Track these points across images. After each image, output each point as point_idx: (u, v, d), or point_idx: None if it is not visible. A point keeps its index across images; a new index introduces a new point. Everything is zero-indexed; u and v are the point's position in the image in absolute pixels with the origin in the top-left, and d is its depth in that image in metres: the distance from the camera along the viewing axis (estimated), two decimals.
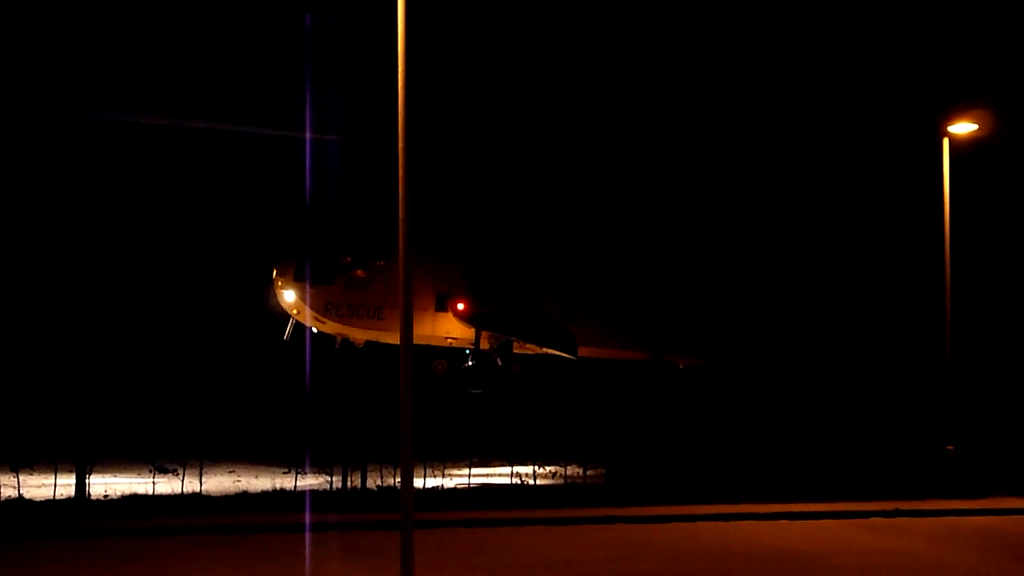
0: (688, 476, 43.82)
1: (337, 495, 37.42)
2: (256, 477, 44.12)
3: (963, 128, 42.18)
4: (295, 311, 42.42)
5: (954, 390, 42.09)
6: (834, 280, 49.45)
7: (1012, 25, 55.40)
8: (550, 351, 44.44)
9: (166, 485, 38.24)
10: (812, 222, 50.57)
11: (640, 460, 45.49)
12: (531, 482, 42.01)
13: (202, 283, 61.29)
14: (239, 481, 42.78)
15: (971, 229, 47.77)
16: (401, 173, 22.22)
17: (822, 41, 55.95)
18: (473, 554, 27.25)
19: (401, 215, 22.24)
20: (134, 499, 35.36)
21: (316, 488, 38.60)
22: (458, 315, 42.74)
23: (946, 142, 42.67)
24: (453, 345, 44.38)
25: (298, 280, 42.12)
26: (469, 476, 43.14)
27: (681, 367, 46.69)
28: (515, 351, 44.81)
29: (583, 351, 44.61)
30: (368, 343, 43.64)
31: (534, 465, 44.67)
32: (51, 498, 34.96)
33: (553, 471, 46.17)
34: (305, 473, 41.10)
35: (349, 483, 38.72)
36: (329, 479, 39.01)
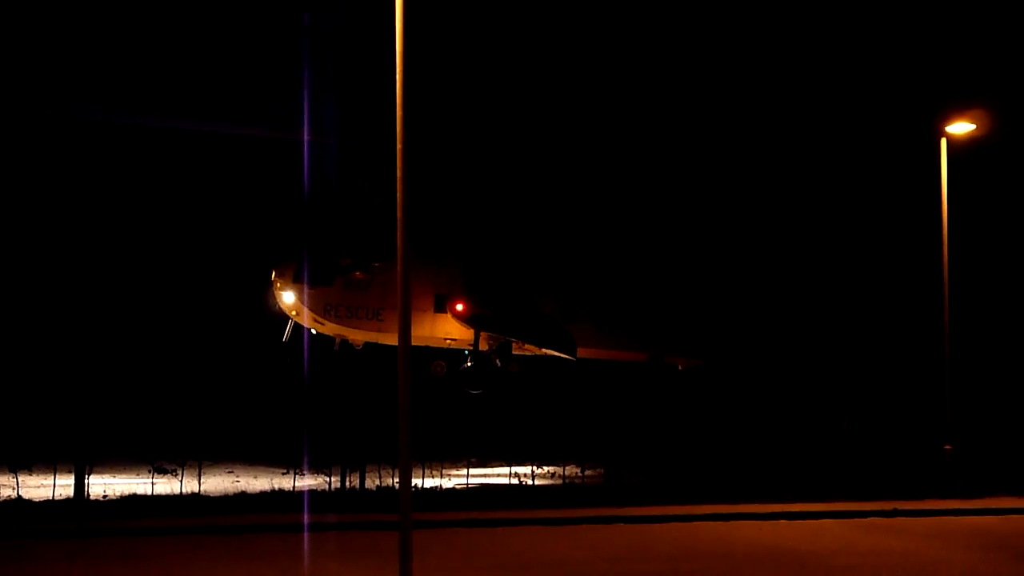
0: (687, 476, 43.81)
1: (336, 495, 37.41)
2: (255, 478, 44.12)
3: (961, 128, 42.19)
4: (294, 312, 42.44)
5: (952, 390, 42.11)
6: (832, 280, 49.49)
7: (1010, 25, 55.46)
8: (549, 352, 44.46)
9: (165, 485, 38.24)
10: (810, 222, 50.60)
11: (639, 460, 45.49)
12: (530, 482, 42.01)
13: (201, 284, 61.34)
14: (238, 481, 42.76)
15: (969, 229, 47.77)
16: (400, 174, 22.24)
17: (820, 41, 55.99)
18: (471, 554, 27.28)
19: (399, 216, 22.25)
20: (133, 499, 35.34)
21: (315, 488, 38.59)
22: (457, 316, 42.75)
23: (944, 142, 42.68)
24: (452, 346, 44.40)
25: (297, 281, 42.15)
26: (467, 476, 43.14)
27: (680, 368, 46.73)
28: (514, 352, 44.85)
29: (582, 352, 44.62)
30: (367, 344, 43.67)
31: (533, 465, 44.67)
32: (50, 498, 34.91)
33: (552, 471, 46.18)
34: (304, 474, 41.10)
35: (348, 483, 38.72)
36: (328, 479, 39.01)
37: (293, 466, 41.54)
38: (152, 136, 53.15)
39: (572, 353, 44.06)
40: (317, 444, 42.02)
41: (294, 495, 36.99)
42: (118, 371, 56.91)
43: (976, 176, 49.19)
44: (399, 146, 22.27)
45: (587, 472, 44.10)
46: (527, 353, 45.43)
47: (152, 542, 28.56)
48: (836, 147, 52.56)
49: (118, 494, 36.49)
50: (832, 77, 55.13)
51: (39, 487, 37.13)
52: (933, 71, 54.96)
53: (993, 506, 37.80)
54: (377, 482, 39.24)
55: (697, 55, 55.51)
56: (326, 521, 31.56)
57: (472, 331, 43.28)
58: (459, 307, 42.70)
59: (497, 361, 44.57)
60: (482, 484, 42.71)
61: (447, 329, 43.51)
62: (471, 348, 44.00)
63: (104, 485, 38.50)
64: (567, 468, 45.81)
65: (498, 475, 45.96)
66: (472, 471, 44.61)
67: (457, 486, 41.16)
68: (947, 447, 41.38)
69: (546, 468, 46.68)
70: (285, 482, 40.66)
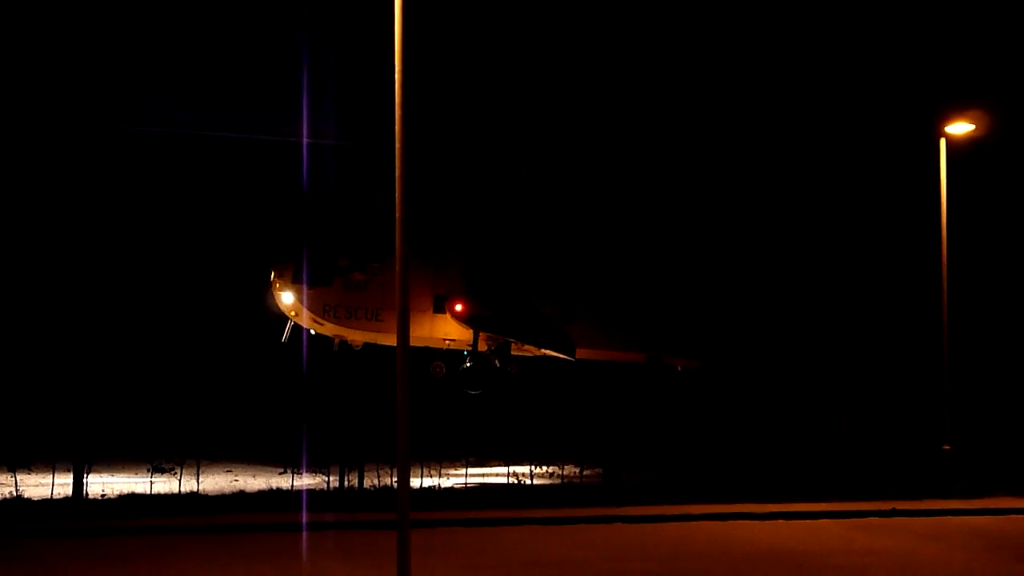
0: (685, 476, 43.83)
1: (334, 495, 37.42)
2: (253, 477, 44.13)
3: (960, 128, 42.19)
4: (293, 313, 42.43)
5: (951, 390, 42.13)
6: (831, 280, 49.51)
7: (1010, 25, 55.47)
8: (548, 352, 44.47)
9: (164, 484, 38.23)
10: (809, 223, 50.61)
11: (637, 460, 45.49)
12: (528, 482, 42.01)
13: (201, 285, 61.35)
14: (236, 481, 42.77)
15: (968, 229, 47.78)
16: (398, 173, 22.23)
17: (819, 41, 55.98)
18: (470, 553, 27.28)
19: (398, 217, 22.24)
20: (132, 498, 35.33)
21: (313, 488, 38.60)
22: (456, 316, 42.75)
23: (943, 142, 42.69)
24: (451, 347, 44.39)
25: (296, 282, 42.12)
26: (466, 476, 43.14)
27: (679, 369, 46.75)
28: (513, 352, 44.85)
29: (581, 353, 44.63)
30: (366, 345, 43.65)
31: (531, 465, 44.66)
32: (48, 497, 34.95)
33: (550, 471, 46.19)
34: (302, 473, 41.10)
35: (346, 483, 38.73)
36: (326, 479, 39.03)
37: (291, 465, 41.53)
38: (151, 138, 53.15)
39: (571, 354, 44.06)
40: (316, 443, 42.02)
41: (292, 494, 37.00)
42: (117, 370, 56.92)
43: (975, 176, 49.20)
44: (398, 146, 22.26)
45: (586, 472, 44.11)
46: (526, 354, 45.43)
47: (151, 541, 28.57)
48: (835, 147, 52.57)
49: (117, 493, 36.48)
50: (831, 77, 55.14)
51: (38, 486, 37.14)
52: (932, 71, 54.98)
53: (992, 506, 37.82)
54: (376, 481, 39.22)
55: (697, 55, 55.52)
56: (324, 520, 31.57)
57: (471, 331, 43.27)
58: (458, 307, 42.70)
59: (496, 362, 44.58)
60: (481, 483, 42.72)
61: (446, 330, 43.51)
62: (470, 349, 44.00)
63: (103, 484, 38.49)
64: (566, 468, 45.80)
65: (497, 474, 45.97)
66: (471, 470, 44.61)
67: (456, 485, 41.16)
68: (946, 447, 41.39)
69: (545, 468, 46.68)
70: (283, 481, 40.67)
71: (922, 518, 35.32)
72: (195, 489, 37.28)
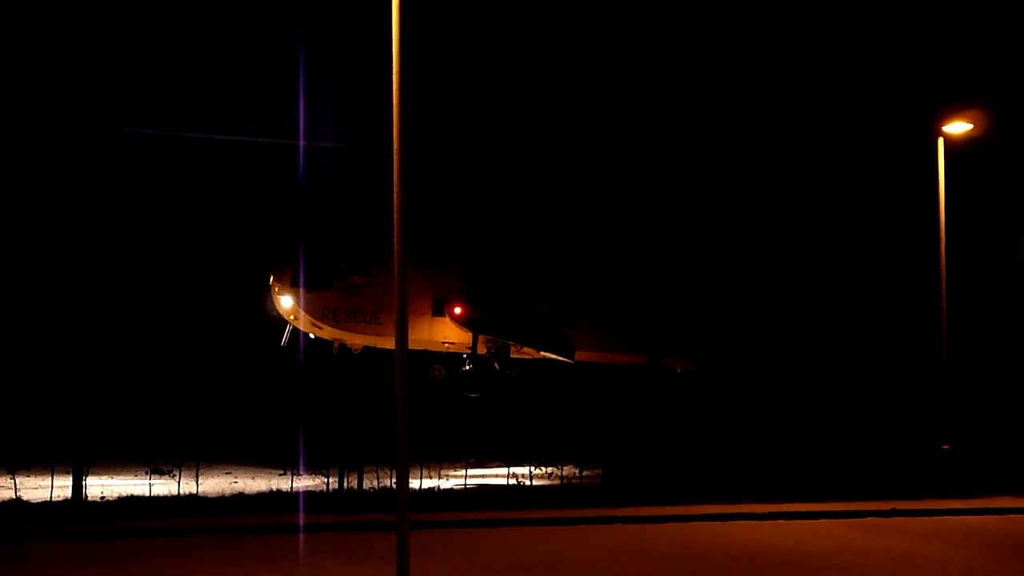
0: (685, 477, 43.85)
1: (333, 496, 37.44)
2: (253, 478, 44.14)
3: (958, 128, 42.21)
4: (292, 317, 42.38)
5: (950, 390, 42.14)
6: (830, 281, 49.52)
7: (1007, 24, 55.51)
8: (547, 355, 44.45)
9: (163, 486, 38.26)
10: (807, 223, 50.61)
11: (637, 461, 45.50)
12: (528, 483, 42.02)
13: (200, 287, 61.35)
14: (236, 482, 42.79)
15: (966, 229, 47.80)
16: (396, 176, 22.23)
17: (816, 42, 56.03)
18: (469, 554, 27.29)
19: (396, 219, 22.24)
20: (131, 500, 35.36)
21: (313, 489, 38.61)
22: (455, 319, 42.72)
23: (941, 142, 42.70)
24: (450, 350, 44.36)
25: (295, 286, 42.05)
26: (465, 477, 43.16)
27: (679, 371, 46.75)
28: (512, 355, 44.82)
29: (580, 355, 44.60)
30: (366, 348, 43.61)
31: (531, 466, 44.69)
32: (48, 499, 34.96)
33: (550, 472, 46.21)
34: (301, 474, 41.11)
35: (346, 484, 38.75)
36: (326, 480, 39.05)
37: (291, 467, 41.55)
38: (151, 141, 53.16)
39: (570, 356, 44.06)
40: (315, 445, 42.04)
41: (292, 496, 37.01)
42: (116, 373, 56.95)
43: (973, 176, 49.21)
44: (396, 149, 22.26)
45: (585, 473, 44.12)
46: (525, 356, 45.40)
47: (150, 543, 28.57)
48: (833, 148, 52.59)
49: (116, 495, 36.52)
50: (829, 78, 55.20)
51: (37, 488, 37.14)
52: (930, 71, 55.03)
53: (991, 506, 37.83)
54: (375, 483, 39.24)
55: (695, 56, 55.55)
56: (324, 522, 31.59)
57: (470, 334, 43.25)
58: (457, 310, 42.67)
59: (496, 364, 44.55)
60: (480, 485, 42.73)
61: (445, 333, 43.46)
62: (469, 352, 43.98)
63: (102, 486, 38.54)
64: (565, 468, 45.82)
65: (496, 476, 45.98)
66: (470, 472, 44.63)
67: (455, 487, 41.17)
68: (945, 447, 41.40)
69: (544, 469, 46.71)
70: (283, 483, 40.69)
71: (921, 518, 35.34)
72: (194, 491, 37.29)
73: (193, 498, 36.07)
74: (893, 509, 36.13)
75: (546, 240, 46.14)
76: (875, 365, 49.75)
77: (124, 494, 36.76)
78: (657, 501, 37.05)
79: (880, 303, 50.26)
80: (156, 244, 61.46)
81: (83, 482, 35.12)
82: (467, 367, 44.44)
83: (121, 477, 42.88)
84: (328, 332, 42.70)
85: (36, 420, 50.94)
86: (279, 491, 38.43)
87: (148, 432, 51.32)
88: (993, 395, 53.09)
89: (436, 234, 43.87)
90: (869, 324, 49.86)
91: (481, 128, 50.88)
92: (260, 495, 37.42)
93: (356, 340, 42.99)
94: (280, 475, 43.30)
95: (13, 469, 37.24)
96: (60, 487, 35.79)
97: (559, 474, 45.68)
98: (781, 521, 34.24)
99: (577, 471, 44.79)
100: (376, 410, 39.09)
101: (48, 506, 33.97)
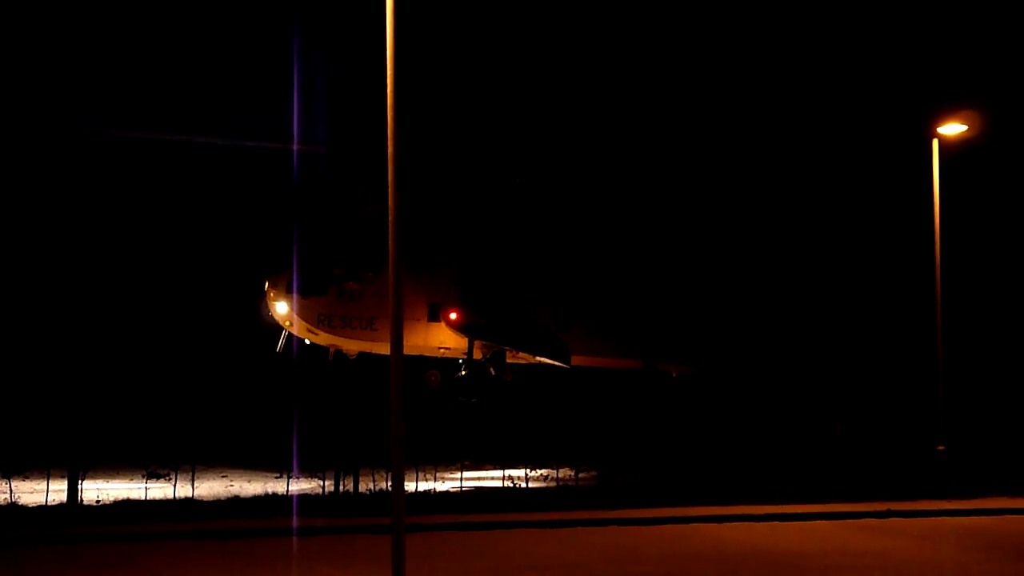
0: (681, 478, 43.88)
1: (329, 499, 37.43)
2: (248, 482, 44.14)
3: (952, 129, 42.29)
4: (287, 323, 42.33)
5: (945, 391, 42.20)
6: (825, 282, 49.55)
7: (1001, 26, 55.60)
8: (543, 360, 44.45)
9: (159, 490, 38.25)
10: (802, 225, 50.64)
11: (633, 463, 45.56)
12: (523, 485, 42.03)
13: (195, 292, 61.34)
14: (231, 486, 42.78)
15: (961, 230, 47.89)
16: (391, 180, 22.25)
17: (810, 43, 56.09)
18: (465, 557, 27.31)
19: (391, 222, 22.26)
20: (127, 504, 35.32)
21: (308, 492, 38.61)
22: (451, 325, 42.67)
23: (935, 143, 42.78)
24: (446, 355, 44.31)
25: (290, 292, 41.99)
26: (461, 479, 43.18)
27: (674, 375, 46.78)
28: (508, 360, 44.78)
29: (576, 360, 44.58)
30: (361, 354, 43.57)
31: (526, 468, 44.71)
32: (44, 504, 34.94)
33: (545, 474, 46.23)
34: (298, 477, 41.09)
35: (341, 487, 38.75)
36: (322, 483, 39.04)
37: (287, 470, 41.54)
38: (146, 145, 53.13)
39: (566, 361, 44.05)
40: (311, 449, 42.04)
41: (288, 499, 37.01)
42: (113, 377, 56.91)
43: (968, 177, 49.30)
44: (390, 152, 22.27)
45: (581, 475, 44.14)
46: (521, 361, 45.39)
47: (146, 547, 28.56)
48: (828, 150, 52.63)
49: (112, 499, 36.47)
50: (823, 79, 55.25)
51: (33, 492, 37.14)
52: (925, 72, 55.10)
53: (987, 506, 37.89)
54: (371, 486, 39.25)
55: (688, 58, 55.60)
56: (320, 525, 31.59)
57: (466, 340, 43.23)
58: (453, 316, 42.61)
59: (491, 370, 44.54)
60: (476, 487, 42.75)
61: (441, 338, 43.41)
62: (465, 357, 43.95)
63: (98, 490, 38.49)
64: (561, 471, 45.84)
65: (492, 478, 46.01)
66: (466, 474, 44.64)
67: (451, 489, 41.19)
68: (940, 448, 41.47)
69: (540, 471, 46.73)
70: (279, 486, 40.69)
71: (917, 519, 35.39)
72: (190, 494, 37.28)
73: (189, 502, 36.04)
74: (888, 510, 36.18)
75: (542, 245, 46.15)
76: (871, 366, 49.79)
77: (120, 498, 36.71)
78: (652, 503, 37.08)
79: (875, 304, 50.31)
80: (151, 248, 61.44)
81: (79, 486, 35.10)
82: (463, 372, 44.43)
83: (117, 481, 42.85)
84: (324, 338, 42.63)
85: (32, 424, 50.87)
86: (275, 494, 38.42)
87: (144, 436, 51.28)
88: (988, 396, 53.18)
89: (431, 239, 43.81)
90: (865, 325, 49.91)
91: (477, 132, 50.89)
92: (256, 498, 37.40)
93: (352, 346, 42.93)
94: (276, 478, 43.30)
95: (9, 473, 37.21)
96: (56, 491, 35.77)
97: (555, 476, 45.71)
98: (776, 522, 34.27)
99: (573, 473, 44.81)
100: (372, 414, 39.07)
101: (44, 510, 33.92)
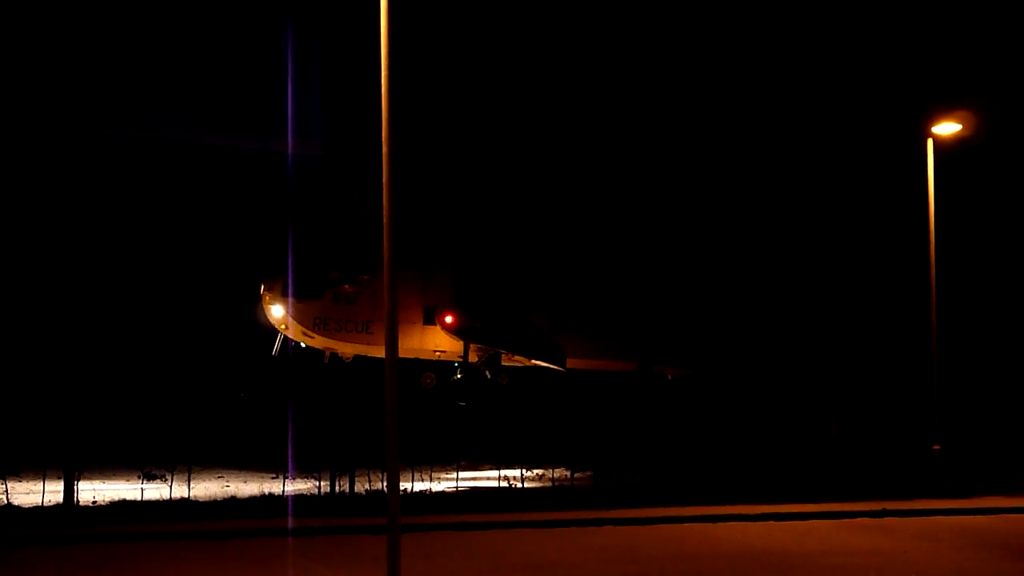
0: (676, 478, 43.89)
1: (325, 500, 37.41)
2: (244, 482, 44.12)
3: (947, 128, 42.35)
4: (283, 326, 42.33)
5: (940, 390, 42.24)
6: (820, 282, 49.60)
7: (996, 25, 55.64)
8: (539, 363, 44.48)
9: (154, 491, 38.22)
10: (797, 225, 50.69)
11: (628, 463, 45.55)
12: (519, 485, 42.04)
13: (192, 294, 61.32)
14: (227, 487, 42.76)
15: (956, 229, 47.92)
16: (385, 183, 22.25)
17: (805, 43, 56.10)
18: (461, 557, 27.32)
19: (386, 225, 22.26)
20: (122, 505, 35.29)
21: (304, 493, 38.60)
22: (446, 328, 42.68)
23: (930, 143, 42.84)
24: (442, 359, 44.35)
25: (286, 295, 42.00)
26: (457, 480, 43.18)
27: (670, 377, 46.81)
28: (504, 363, 44.83)
29: (571, 363, 44.62)
30: (357, 357, 43.58)
31: (522, 469, 44.71)
32: (39, 504, 34.90)
33: (541, 474, 46.23)
34: (293, 478, 41.08)
35: (337, 488, 38.74)
36: (317, 484, 39.04)
37: (283, 471, 41.53)
38: (143, 147, 53.11)
39: (561, 364, 44.07)
40: (307, 450, 42.03)
41: (284, 500, 36.99)
42: (108, 377, 56.88)
43: (963, 176, 49.34)
44: (385, 156, 22.27)
45: (576, 475, 44.16)
46: (517, 364, 45.42)
47: (142, 547, 28.55)
48: (823, 150, 52.68)
49: (108, 499, 36.45)
50: (818, 79, 55.25)
51: (28, 493, 37.10)
52: (919, 72, 55.14)
53: (982, 506, 37.92)
54: (367, 486, 39.25)
55: (684, 59, 55.60)
56: (315, 525, 31.59)
57: (462, 343, 43.26)
58: (448, 319, 42.62)
59: (487, 373, 44.56)
60: (472, 487, 42.75)
61: (436, 341, 43.46)
62: (461, 360, 43.97)
63: (93, 491, 38.46)
64: (556, 471, 45.86)
65: (488, 478, 46.00)
66: (462, 474, 44.63)
67: (447, 489, 41.19)
68: (935, 447, 41.51)
69: (535, 471, 46.72)
70: (275, 487, 40.68)
71: (913, 518, 35.42)
72: (186, 495, 37.26)
73: (185, 502, 36.01)
74: (884, 509, 36.20)
75: (537, 248, 46.20)
76: (866, 367, 49.83)
77: (116, 498, 36.67)
78: (648, 503, 37.08)
79: (870, 304, 50.36)
80: (148, 250, 61.42)
81: (75, 487, 35.05)
82: (458, 375, 44.44)
83: (113, 481, 42.79)
84: (319, 341, 42.66)
85: (27, 424, 50.83)
86: (271, 495, 38.41)
87: (140, 437, 51.27)
88: (984, 395, 53.23)
89: (427, 243, 43.86)
90: (860, 326, 49.95)
91: (473, 135, 50.89)
92: (252, 499, 37.38)
93: (347, 349, 42.96)
94: (272, 479, 43.29)
95: (4, 474, 37.15)
96: (52, 492, 35.72)
97: (550, 477, 45.72)
98: (772, 522, 34.29)
99: (568, 474, 44.83)
100: (367, 415, 39.07)
101: (40, 511, 33.89)
